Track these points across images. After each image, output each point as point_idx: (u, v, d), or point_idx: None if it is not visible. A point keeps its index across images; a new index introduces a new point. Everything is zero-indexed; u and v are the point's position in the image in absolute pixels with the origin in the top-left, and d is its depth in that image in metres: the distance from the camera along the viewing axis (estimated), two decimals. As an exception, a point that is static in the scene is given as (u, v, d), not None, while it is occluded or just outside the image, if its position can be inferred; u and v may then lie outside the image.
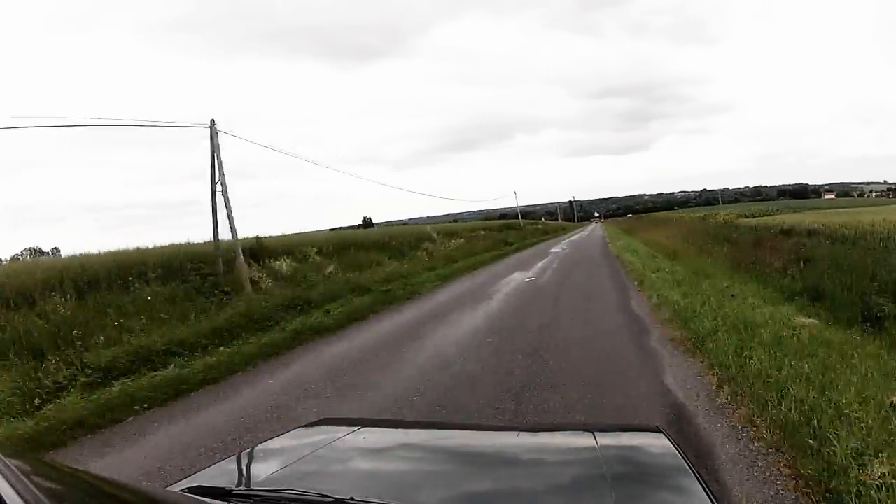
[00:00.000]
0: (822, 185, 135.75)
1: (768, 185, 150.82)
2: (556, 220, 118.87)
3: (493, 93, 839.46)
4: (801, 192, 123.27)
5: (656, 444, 1.47)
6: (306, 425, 1.94)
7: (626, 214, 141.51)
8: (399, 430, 2.12)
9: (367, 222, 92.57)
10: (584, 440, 1.56)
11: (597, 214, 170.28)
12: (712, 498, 1.07)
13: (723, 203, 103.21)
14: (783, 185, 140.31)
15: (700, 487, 1.12)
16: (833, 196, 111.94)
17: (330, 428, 1.85)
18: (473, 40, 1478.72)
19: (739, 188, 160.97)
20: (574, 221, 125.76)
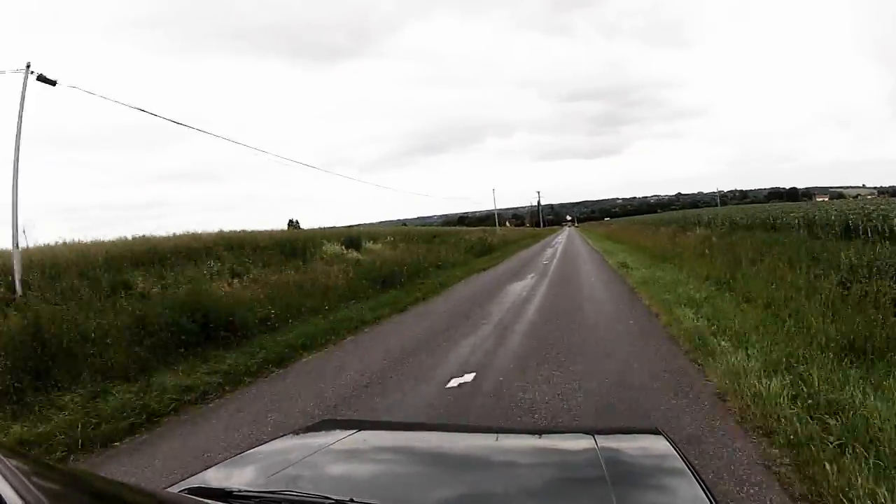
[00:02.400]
0: (810, 188, 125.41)
1: (741, 188, 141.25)
2: (512, 224, 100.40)
3: (463, 95, 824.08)
4: (793, 195, 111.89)
5: (656, 445, 1.45)
6: (307, 427, 1.98)
7: (602, 218, 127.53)
8: (399, 432, 2.06)
9: (293, 226, 78.03)
10: (583, 442, 1.53)
11: (569, 218, 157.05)
12: (712, 500, 1.06)
13: (714, 205, 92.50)
14: (771, 188, 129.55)
15: (700, 489, 1.10)
16: (826, 199, 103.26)
17: (331, 429, 1.83)
18: (443, 41, 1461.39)
19: (713, 192, 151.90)
20: (540, 226, 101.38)
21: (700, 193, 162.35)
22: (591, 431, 1.57)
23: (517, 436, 1.90)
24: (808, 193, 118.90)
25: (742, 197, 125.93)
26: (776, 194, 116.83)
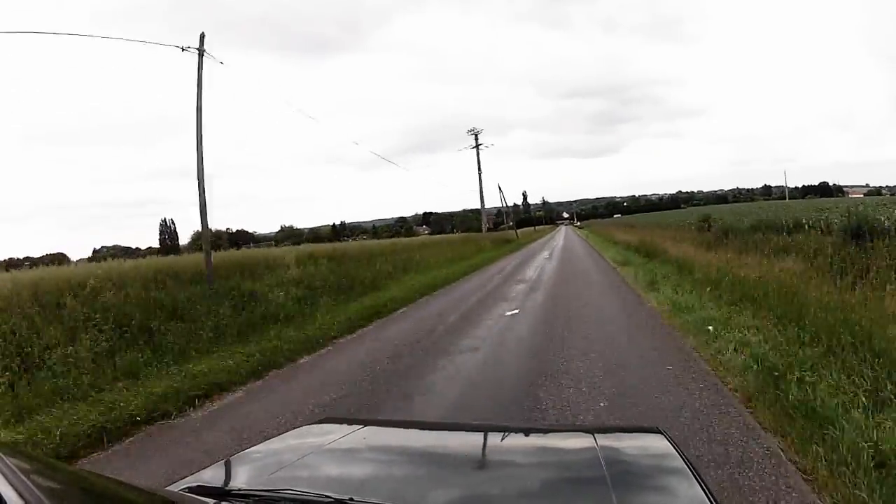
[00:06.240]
0: (842, 186, 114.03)
1: (743, 187, 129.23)
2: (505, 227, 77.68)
3: (460, 91, 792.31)
4: (826, 191, 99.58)
5: (656, 444, 1.45)
6: (308, 425, 1.93)
7: (611, 215, 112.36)
8: (400, 430, 2.04)
9: (168, 244, 59.24)
10: (583, 441, 1.52)
11: (566, 215, 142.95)
12: (712, 500, 1.05)
13: (728, 202, 79.84)
14: (771, 186, 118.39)
15: (700, 489, 1.10)
16: (861, 195, 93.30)
17: (331, 427, 1.80)
18: (439, 34, 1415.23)
19: (714, 190, 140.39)
20: (484, 229, 61.24)
21: (700, 192, 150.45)
22: (592, 430, 1.60)
23: (517, 435, 1.82)
24: (840, 189, 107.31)
25: (765, 193, 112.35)
26: (811, 190, 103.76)
